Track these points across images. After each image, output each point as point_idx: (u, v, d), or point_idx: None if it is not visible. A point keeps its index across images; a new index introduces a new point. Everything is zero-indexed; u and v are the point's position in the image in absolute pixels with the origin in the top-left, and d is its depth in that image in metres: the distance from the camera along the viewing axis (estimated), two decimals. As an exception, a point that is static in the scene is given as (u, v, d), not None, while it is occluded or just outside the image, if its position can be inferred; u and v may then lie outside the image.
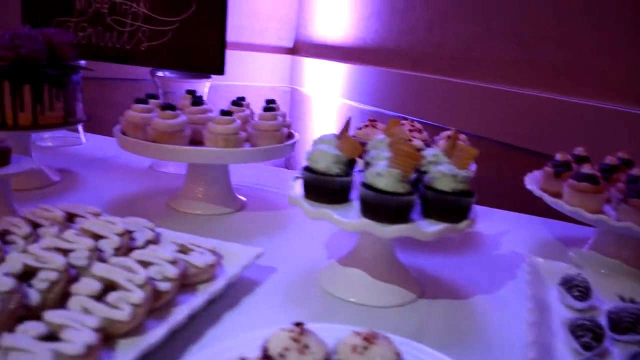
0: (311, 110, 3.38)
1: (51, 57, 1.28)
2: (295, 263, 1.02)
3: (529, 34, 2.15)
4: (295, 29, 3.67)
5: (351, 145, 0.89)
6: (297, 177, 0.94)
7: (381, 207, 0.82)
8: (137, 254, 0.82)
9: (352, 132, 1.36)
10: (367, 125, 1.31)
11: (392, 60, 2.85)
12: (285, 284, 0.94)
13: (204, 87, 1.58)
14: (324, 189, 0.88)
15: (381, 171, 0.82)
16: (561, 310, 0.88)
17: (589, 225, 1.14)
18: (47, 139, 1.76)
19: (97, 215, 1.00)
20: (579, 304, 0.86)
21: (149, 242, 0.91)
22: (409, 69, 2.75)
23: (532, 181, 1.21)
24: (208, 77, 1.55)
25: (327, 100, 3.41)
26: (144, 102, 1.21)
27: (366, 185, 0.83)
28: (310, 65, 3.49)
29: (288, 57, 3.70)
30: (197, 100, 1.25)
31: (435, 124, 2.57)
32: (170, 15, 1.50)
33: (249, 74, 3.54)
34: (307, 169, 0.89)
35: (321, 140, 0.96)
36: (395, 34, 2.80)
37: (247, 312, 0.85)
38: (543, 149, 2.00)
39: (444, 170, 0.86)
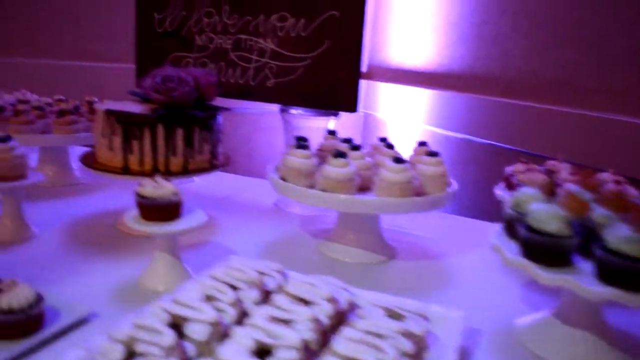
0: (387, 136, 3.31)
1: (197, 98, 1.23)
2: (478, 319, 0.94)
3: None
4: (368, 53, 3.63)
5: (579, 204, 0.82)
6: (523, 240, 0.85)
7: (633, 276, 0.74)
8: (364, 324, 0.76)
9: (508, 173, 1.29)
10: (527, 169, 1.24)
11: (481, 87, 2.77)
12: (486, 345, 0.87)
13: (329, 123, 1.52)
14: (555, 252, 0.80)
15: (629, 237, 0.74)
16: None
17: None
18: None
19: (281, 273, 0.94)
20: None
21: (351, 305, 0.85)
22: (501, 96, 2.66)
23: None
24: (336, 114, 1.49)
25: (405, 126, 3.33)
26: (304, 147, 1.15)
27: (610, 250, 0.75)
28: (386, 90, 3.44)
29: (362, 81, 3.66)
30: (355, 146, 1.19)
31: (531, 152, 2.47)
32: (301, 51, 1.45)
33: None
34: (532, 229, 0.82)
35: (530, 196, 0.89)
36: (485, 60, 2.73)
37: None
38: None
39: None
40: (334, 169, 1.07)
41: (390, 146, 1.25)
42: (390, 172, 1.07)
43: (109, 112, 1.16)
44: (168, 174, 1.17)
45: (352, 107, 1.43)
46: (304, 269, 0.96)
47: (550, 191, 0.93)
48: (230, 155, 1.33)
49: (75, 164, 1.64)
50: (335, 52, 1.42)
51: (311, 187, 1.14)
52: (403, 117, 3.21)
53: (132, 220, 0.97)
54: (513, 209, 0.91)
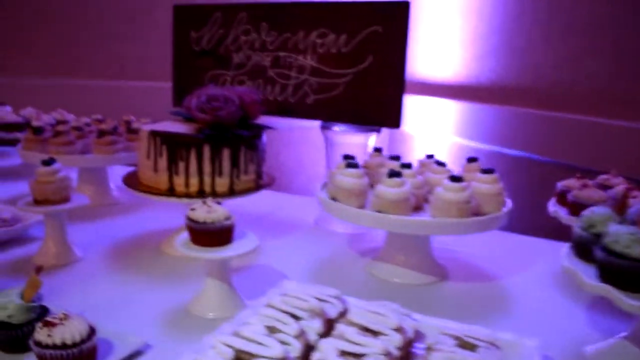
0: (414, 149, 3.26)
1: (242, 117, 1.21)
2: (545, 345, 0.88)
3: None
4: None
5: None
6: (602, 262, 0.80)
7: None
8: (440, 357, 0.71)
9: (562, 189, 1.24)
10: (582, 185, 1.19)
11: (512, 99, 2.72)
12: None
13: (370, 140, 1.48)
14: (638, 276, 0.75)
15: None
16: None
17: None
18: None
19: (339, 299, 0.90)
20: None
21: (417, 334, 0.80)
22: (533, 107, 2.61)
23: None
24: (378, 130, 1.46)
25: (432, 138, 3.28)
26: (354, 166, 1.11)
27: None
28: (413, 103, 3.40)
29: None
30: (406, 164, 1.15)
31: (563, 161, 2.41)
32: (342, 67, 1.42)
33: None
34: (611, 252, 0.77)
35: (603, 216, 0.84)
36: (516, 72, 2.68)
37: None
38: None
39: None
40: (389, 189, 1.03)
41: (442, 163, 1.20)
42: (447, 192, 1.03)
43: (154, 133, 1.14)
44: (214, 195, 1.14)
45: (395, 123, 1.39)
46: (353, 291, 0.94)
47: (623, 211, 0.88)
48: (273, 174, 1.30)
49: (114, 184, 1.62)
50: (378, 68, 1.39)
51: (362, 207, 1.11)
52: (430, 129, 3.17)
53: (182, 245, 0.94)
54: (585, 229, 0.86)
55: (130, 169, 1.65)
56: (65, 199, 1.15)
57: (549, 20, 2.56)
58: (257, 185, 1.21)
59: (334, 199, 1.12)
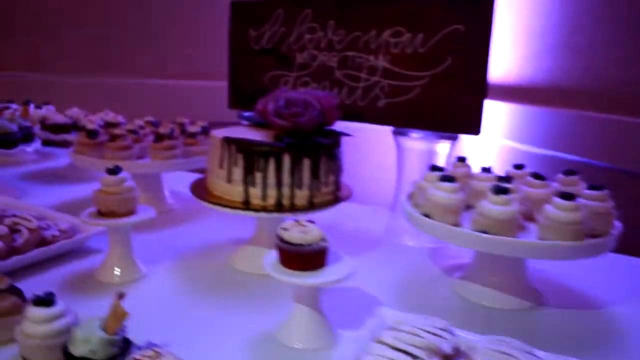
0: (461, 152, 3.15)
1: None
2: None
3: None
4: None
5: None
6: None
7: None
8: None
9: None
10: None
11: (569, 101, 2.58)
12: None
13: (445, 148, 1.38)
14: None
15: None
16: None
17: None
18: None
19: (448, 331, 0.80)
20: None
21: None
22: (593, 110, 2.47)
23: None
24: (455, 137, 1.35)
25: (480, 141, 3.15)
26: (450, 179, 1.01)
27: None
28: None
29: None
30: (505, 177, 1.04)
31: (629, 168, 2.27)
32: (418, 69, 1.32)
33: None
34: None
35: None
36: (574, 73, 2.54)
37: None
38: None
39: None
40: (496, 207, 0.92)
41: (540, 176, 1.09)
42: (559, 211, 0.92)
43: (228, 141, 1.05)
44: (292, 208, 1.05)
45: (475, 129, 1.28)
46: (441, 315, 0.84)
47: None
48: (350, 186, 1.20)
49: (167, 190, 1.53)
50: (458, 70, 1.28)
51: (457, 224, 1.00)
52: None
53: (272, 267, 0.85)
54: None
55: (186, 174, 1.57)
56: (131, 211, 1.06)
57: (616, 16, 2.41)
58: (336, 198, 1.12)
59: (426, 215, 1.01)
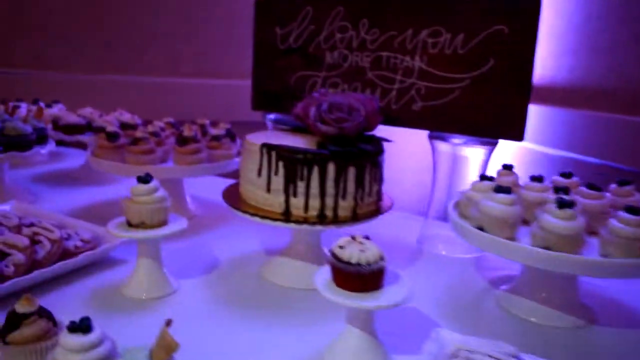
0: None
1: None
2: None
3: None
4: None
5: None
6: None
7: None
8: None
9: None
10: None
11: (593, 102, 2.53)
12: None
13: (481, 154, 1.31)
14: None
15: None
16: None
17: None
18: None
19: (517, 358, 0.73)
20: None
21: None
22: (619, 112, 2.41)
23: None
24: (495, 143, 1.29)
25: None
26: (506, 190, 0.95)
27: None
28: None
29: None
30: (562, 188, 0.98)
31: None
32: (458, 71, 1.25)
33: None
34: None
35: None
36: (599, 74, 2.48)
37: None
38: None
39: None
40: (561, 223, 0.86)
41: (596, 187, 1.03)
42: (626, 226, 0.86)
43: (268, 147, 0.98)
44: (335, 220, 0.98)
45: (519, 135, 1.21)
46: (488, 332, 0.81)
47: None
48: (391, 196, 1.14)
49: (190, 196, 1.46)
50: (500, 73, 1.21)
51: (512, 238, 0.94)
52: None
53: (326, 288, 0.78)
54: None
55: (205, 178, 1.50)
56: (163, 222, 0.99)
57: (637, 17, 2.36)
58: (379, 209, 1.05)
59: (480, 228, 0.95)
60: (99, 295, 1.01)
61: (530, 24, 1.17)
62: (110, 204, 1.49)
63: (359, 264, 0.75)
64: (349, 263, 0.76)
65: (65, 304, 0.96)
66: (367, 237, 0.79)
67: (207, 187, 1.53)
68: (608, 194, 1.07)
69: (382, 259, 0.77)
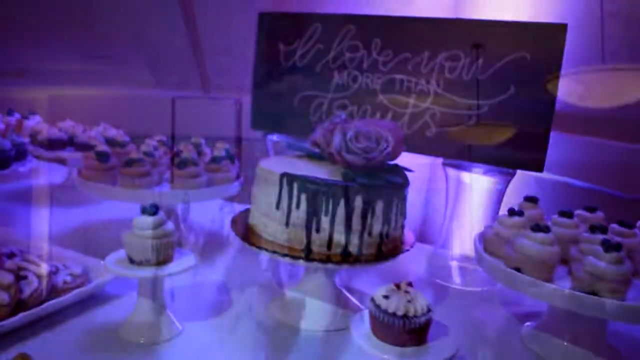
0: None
1: (386, 159, 0.97)
2: None
3: None
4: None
5: None
6: None
7: None
8: None
9: None
10: None
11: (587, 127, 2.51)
12: None
13: (497, 184, 1.26)
14: None
15: None
16: None
17: None
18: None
19: None
20: None
21: None
22: (614, 139, 2.40)
23: None
24: (513, 173, 1.23)
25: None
26: (544, 229, 0.88)
27: None
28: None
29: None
30: (599, 227, 0.93)
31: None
32: (475, 97, 1.20)
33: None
34: None
35: None
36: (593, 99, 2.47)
37: None
38: None
39: None
40: (610, 267, 0.80)
41: (628, 225, 0.98)
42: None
43: (289, 178, 0.89)
44: (360, 259, 0.90)
45: (538, 166, 1.17)
46: None
47: None
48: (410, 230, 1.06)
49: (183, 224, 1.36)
50: (521, 101, 1.17)
51: (550, 280, 0.88)
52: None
53: (367, 341, 0.70)
54: None
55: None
56: (169, 258, 0.89)
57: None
58: (402, 245, 0.98)
59: (518, 269, 0.89)
60: (92, 338, 0.90)
61: (554, 52, 1.13)
62: (96, 229, 1.37)
63: (406, 316, 0.67)
64: (397, 316, 0.67)
65: (56, 350, 0.85)
66: (410, 284, 0.71)
67: (198, 210, 1.42)
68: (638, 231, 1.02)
69: (429, 309, 0.69)
